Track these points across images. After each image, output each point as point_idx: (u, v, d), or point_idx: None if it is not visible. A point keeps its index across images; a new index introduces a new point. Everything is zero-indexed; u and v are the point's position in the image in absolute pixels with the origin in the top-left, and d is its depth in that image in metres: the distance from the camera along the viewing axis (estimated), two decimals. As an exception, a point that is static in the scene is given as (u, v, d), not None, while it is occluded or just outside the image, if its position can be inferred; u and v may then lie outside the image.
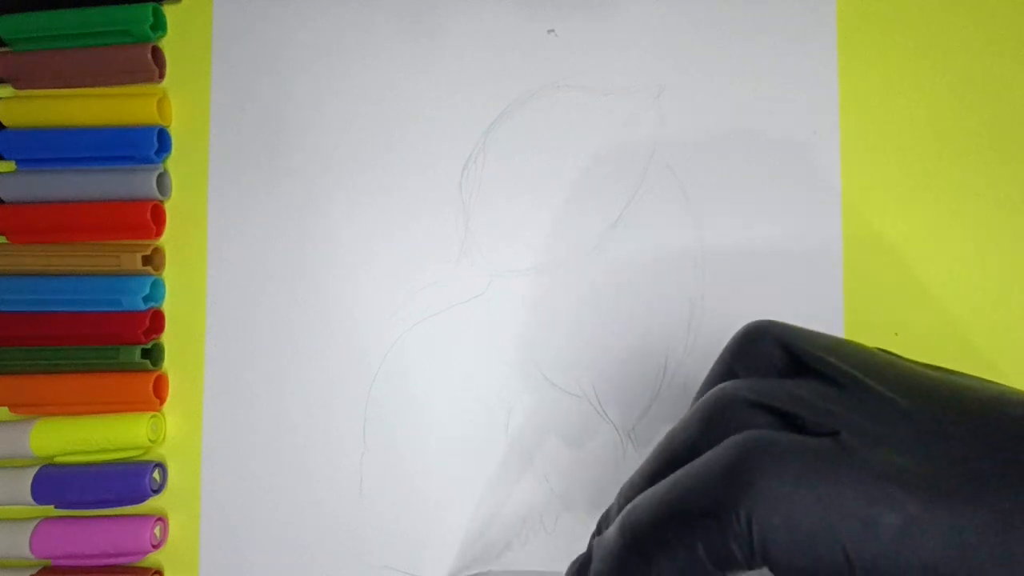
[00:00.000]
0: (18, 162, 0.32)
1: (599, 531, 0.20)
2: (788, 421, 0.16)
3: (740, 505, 0.15)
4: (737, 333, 0.19)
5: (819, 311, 0.29)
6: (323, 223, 0.31)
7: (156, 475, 0.30)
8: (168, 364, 0.31)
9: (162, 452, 0.31)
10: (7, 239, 0.32)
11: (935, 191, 0.29)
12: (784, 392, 0.17)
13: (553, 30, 0.31)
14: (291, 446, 0.30)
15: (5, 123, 0.32)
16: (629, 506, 0.17)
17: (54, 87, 0.32)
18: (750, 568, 0.16)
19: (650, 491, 0.17)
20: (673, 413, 0.29)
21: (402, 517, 0.29)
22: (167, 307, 0.31)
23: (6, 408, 0.31)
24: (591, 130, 0.30)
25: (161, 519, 0.30)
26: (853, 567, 0.14)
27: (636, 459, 0.29)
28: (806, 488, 0.15)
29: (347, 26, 0.31)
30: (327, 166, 0.31)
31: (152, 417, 0.30)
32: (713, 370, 0.20)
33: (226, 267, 0.31)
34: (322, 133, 0.31)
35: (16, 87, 0.32)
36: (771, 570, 0.15)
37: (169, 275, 0.31)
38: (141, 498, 0.30)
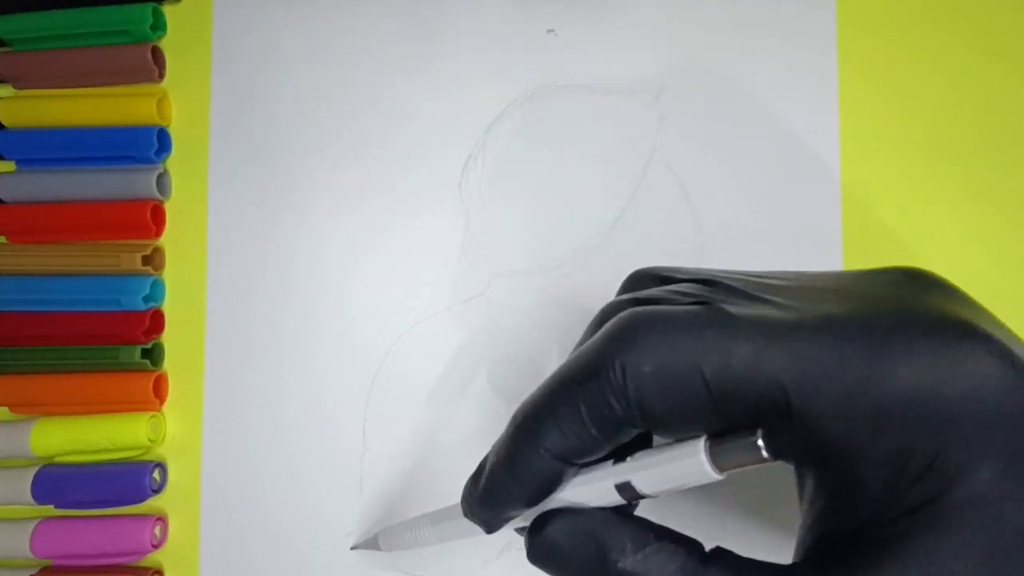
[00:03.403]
0: (18, 162, 0.32)
1: None
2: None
3: (616, 358, 0.17)
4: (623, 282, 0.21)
5: (819, 311, 0.29)
6: (323, 223, 0.31)
7: (156, 475, 0.30)
8: (168, 364, 0.31)
9: (162, 452, 0.31)
10: (7, 239, 0.32)
11: (934, 191, 0.29)
12: (661, 290, 0.19)
13: (553, 30, 0.31)
14: (291, 446, 0.30)
15: (5, 123, 0.32)
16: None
17: (54, 87, 0.32)
18: (630, 425, 0.17)
19: (538, 386, 0.18)
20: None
21: (402, 517, 0.29)
22: (167, 307, 0.31)
23: (6, 408, 0.31)
24: (591, 130, 0.30)
25: (161, 519, 0.30)
26: (713, 397, 0.16)
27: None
28: (675, 338, 0.16)
29: (347, 26, 0.31)
30: (327, 166, 0.31)
31: (152, 417, 0.30)
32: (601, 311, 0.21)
33: (226, 267, 0.31)
34: (322, 133, 0.31)
35: (16, 87, 0.32)
36: (647, 423, 0.17)
37: (169, 275, 0.31)
38: (141, 498, 0.30)
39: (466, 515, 0.20)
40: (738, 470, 0.17)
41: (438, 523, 0.24)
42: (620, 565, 0.17)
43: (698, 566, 0.17)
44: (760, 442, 0.16)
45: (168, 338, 0.31)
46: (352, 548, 0.29)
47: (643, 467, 0.18)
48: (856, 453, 0.15)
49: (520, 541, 0.29)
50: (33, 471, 0.30)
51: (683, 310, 0.17)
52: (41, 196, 0.31)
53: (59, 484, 0.30)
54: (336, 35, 0.31)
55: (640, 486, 0.18)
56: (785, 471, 0.18)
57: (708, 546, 0.18)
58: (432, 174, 0.31)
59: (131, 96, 0.31)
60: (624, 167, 0.30)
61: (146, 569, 0.30)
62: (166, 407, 0.31)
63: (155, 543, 0.30)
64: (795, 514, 0.18)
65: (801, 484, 0.18)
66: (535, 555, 0.19)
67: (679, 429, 0.17)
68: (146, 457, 0.31)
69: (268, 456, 0.30)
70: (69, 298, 0.30)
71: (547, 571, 0.19)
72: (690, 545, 0.17)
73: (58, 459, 0.30)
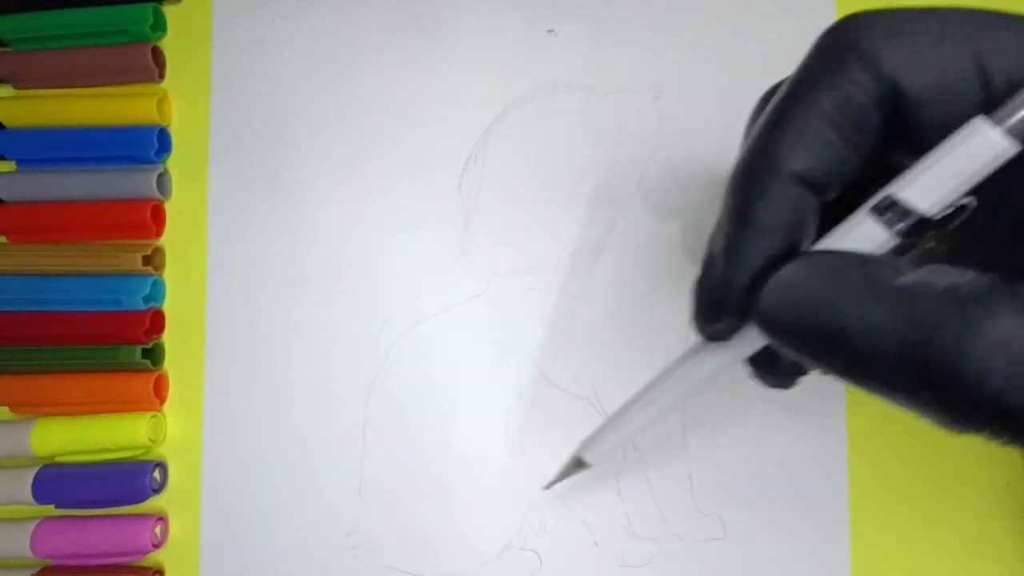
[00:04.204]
0: (18, 162, 0.32)
1: None
2: None
3: (859, 36, 0.14)
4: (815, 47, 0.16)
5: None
6: (323, 223, 0.31)
7: (156, 475, 0.30)
8: (168, 364, 0.31)
9: (162, 452, 0.31)
10: (7, 239, 0.32)
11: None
12: None
13: (553, 30, 0.31)
14: (291, 446, 0.30)
15: (5, 123, 0.32)
16: None
17: (54, 87, 0.32)
18: (879, 108, 0.14)
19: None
20: (673, 413, 0.29)
21: (402, 516, 0.29)
22: (167, 307, 0.31)
23: (6, 408, 0.31)
24: (591, 130, 0.30)
25: (161, 519, 0.30)
26: (981, 60, 0.13)
27: (636, 459, 0.29)
28: (919, 13, 0.14)
29: (347, 26, 0.31)
30: (327, 166, 0.31)
31: (152, 417, 0.30)
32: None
33: (226, 267, 0.31)
34: (322, 133, 0.31)
35: (16, 87, 0.32)
36: (900, 100, 0.14)
37: (169, 275, 0.31)
38: (141, 498, 0.30)
39: (704, 316, 0.17)
40: None
41: (644, 397, 0.21)
42: (901, 281, 0.13)
43: (996, 277, 0.13)
44: None
45: (168, 338, 0.31)
46: (546, 487, 0.26)
47: (912, 177, 0.14)
48: None
49: (520, 541, 0.29)
50: (34, 471, 0.30)
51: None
52: (41, 196, 0.31)
53: (59, 484, 0.30)
54: (336, 35, 0.31)
55: (911, 198, 0.14)
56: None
57: None
58: (432, 174, 0.31)
59: (131, 96, 0.31)
60: (624, 167, 0.30)
61: (146, 569, 0.30)
62: (166, 407, 0.31)
63: (155, 543, 0.30)
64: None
65: None
66: (768, 307, 0.14)
67: (936, 112, 0.14)
68: (146, 457, 0.31)
69: (268, 456, 0.30)
70: (69, 298, 0.30)
71: (785, 323, 0.14)
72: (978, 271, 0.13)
73: (59, 459, 0.30)
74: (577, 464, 0.24)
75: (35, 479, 0.29)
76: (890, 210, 0.14)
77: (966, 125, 0.14)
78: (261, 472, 0.30)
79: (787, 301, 0.14)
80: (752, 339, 0.17)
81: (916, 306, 0.13)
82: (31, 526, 0.29)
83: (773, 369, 0.18)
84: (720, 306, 0.16)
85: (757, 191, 0.15)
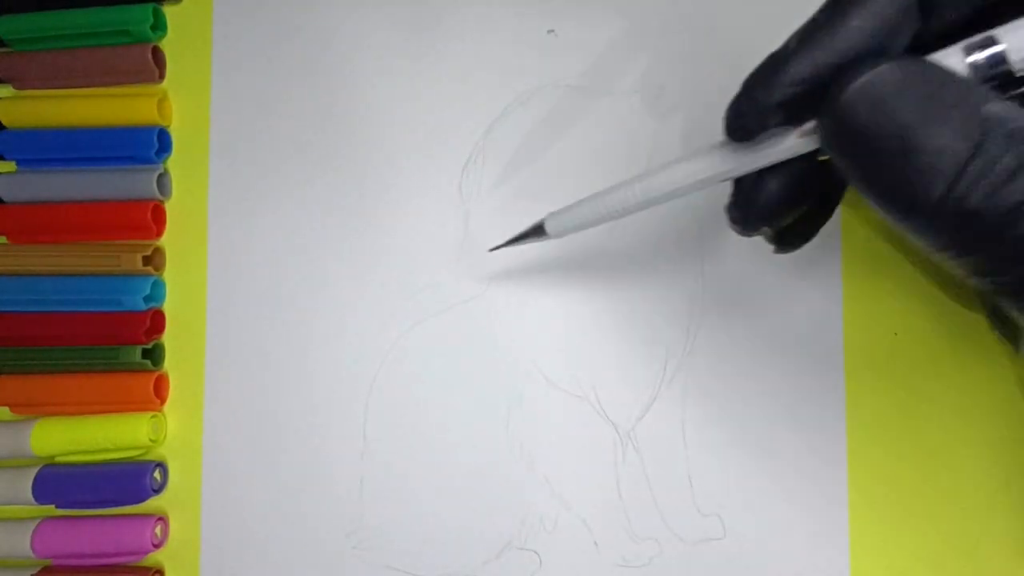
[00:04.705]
0: (18, 162, 0.32)
1: None
2: None
3: None
4: None
5: (818, 310, 0.29)
6: (323, 223, 0.31)
7: (157, 475, 0.30)
8: (169, 364, 0.31)
9: (163, 452, 0.31)
10: (7, 239, 0.32)
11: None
12: None
13: (553, 30, 0.31)
14: (291, 446, 0.30)
15: (5, 123, 0.32)
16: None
17: (54, 87, 0.32)
18: None
19: None
20: (673, 413, 0.29)
21: (402, 517, 0.29)
22: (168, 307, 0.31)
23: (6, 408, 0.31)
24: (591, 130, 0.30)
25: (162, 519, 0.30)
26: None
27: (636, 459, 0.29)
28: None
29: (347, 26, 0.31)
30: (326, 166, 0.31)
31: (153, 417, 0.30)
32: None
33: (226, 267, 0.31)
34: (321, 133, 0.31)
35: (16, 87, 0.32)
36: None
37: (169, 275, 0.31)
38: (142, 498, 0.30)
39: (734, 110, 0.16)
40: None
41: (629, 184, 0.20)
42: (987, 108, 0.13)
43: None
44: None
45: (169, 338, 0.31)
46: (493, 249, 0.25)
47: (1019, 24, 0.13)
48: None
49: (520, 541, 0.29)
50: (34, 471, 0.30)
51: None
52: (42, 196, 0.31)
53: (60, 484, 0.30)
54: (336, 35, 0.31)
55: (1009, 46, 0.13)
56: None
57: None
58: (432, 175, 0.31)
59: (131, 96, 0.31)
60: (624, 167, 0.30)
61: (147, 569, 0.30)
62: (167, 407, 0.31)
63: (156, 543, 0.30)
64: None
65: None
66: (847, 105, 0.14)
67: None
68: (147, 457, 0.31)
69: (268, 456, 0.30)
70: (70, 298, 0.30)
71: (856, 125, 0.13)
72: None
73: (59, 459, 0.31)
74: (537, 230, 0.23)
75: (35, 479, 0.30)
76: (984, 50, 0.13)
77: None
78: (261, 472, 0.30)
79: (873, 97, 0.13)
80: (779, 149, 0.16)
81: (989, 138, 0.12)
82: (31, 526, 0.29)
83: (764, 212, 0.17)
84: (775, 91, 0.15)
85: None
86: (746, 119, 0.16)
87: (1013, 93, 0.14)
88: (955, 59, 0.14)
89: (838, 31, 0.14)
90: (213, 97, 0.32)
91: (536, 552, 0.29)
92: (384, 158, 0.31)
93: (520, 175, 0.30)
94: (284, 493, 0.30)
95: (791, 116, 0.15)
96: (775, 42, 0.30)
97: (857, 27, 0.14)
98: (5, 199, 0.31)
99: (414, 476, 0.30)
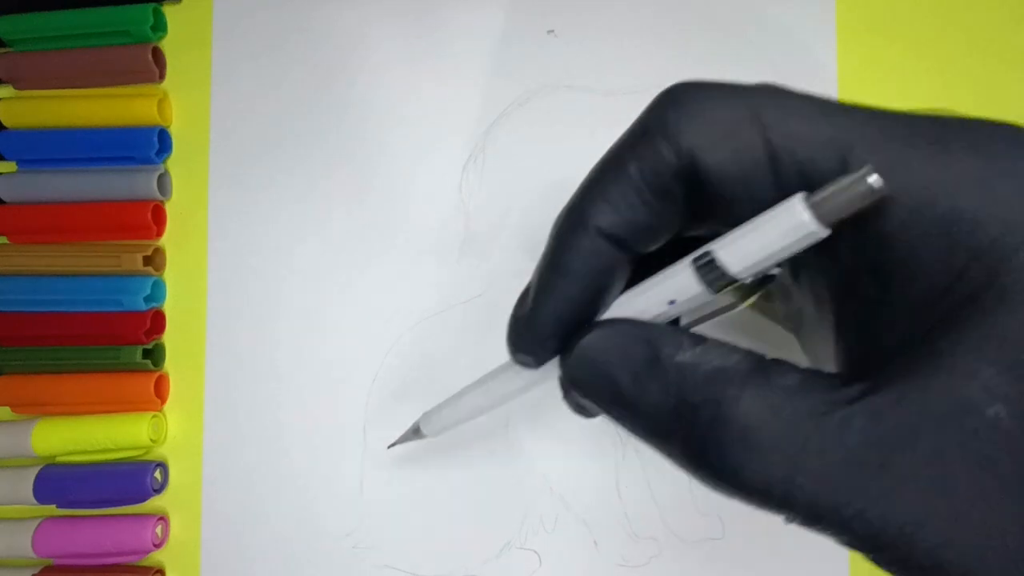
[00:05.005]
0: (19, 162, 0.32)
1: None
2: None
3: (667, 114, 0.16)
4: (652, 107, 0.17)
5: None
6: (323, 223, 0.31)
7: (157, 475, 0.30)
8: (169, 364, 0.31)
9: (163, 452, 0.31)
10: (8, 239, 0.32)
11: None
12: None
13: (553, 30, 0.31)
14: (292, 446, 0.30)
15: (5, 123, 0.32)
16: None
17: (54, 87, 0.32)
18: (683, 184, 0.15)
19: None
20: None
21: (402, 517, 0.30)
22: (168, 307, 0.31)
23: (8, 408, 0.31)
24: (591, 130, 0.30)
25: (162, 518, 0.30)
26: (771, 147, 0.15)
27: (636, 459, 0.29)
28: (729, 91, 0.16)
29: (347, 27, 0.31)
30: (327, 166, 0.31)
31: (153, 417, 0.30)
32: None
33: (226, 267, 0.31)
34: (321, 133, 0.31)
35: (16, 87, 0.32)
36: (699, 183, 0.15)
37: (170, 275, 0.31)
38: (143, 498, 0.30)
39: (512, 345, 0.18)
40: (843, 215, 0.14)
41: (482, 385, 0.22)
42: (677, 359, 0.15)
43: (759, 360, 0.15)
44: (871, 178, 0.13)
45: (169, 338, 0.31)
46: (389, 447, 0.27)
47: (729, 240, 0.15)
48: (916, 233, 0.14)
49: (520, 540, 0.29)
50: (35, 471, 0.30)
51: (734, 86, 0.16)
52: (42, 196, 0.31)
53: (61, 484, 0.30)
54: (336, 36, 0.31)
55: (726, 259, 0.15)
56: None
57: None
58: (432, 175, 0.31)
59: (132, 97, 0.31)
60: (624, 167, 0.30)
61: (147, 568, 0.30)
62: (167, 407, 0.31)
63: (156, 542, 0.30)
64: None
65: (833, 287, 0.16)
66: (570, 368, 0.16)
67: (732, 190, 0.15)
68: (147, 457, 0.31)
69: (269, 456, 0.30)
70: (70, 298, 0.30)
71: (583, 384, 0.16)
72: (749, 351, 0.15)
73: (60, 459, 0.31)
74: (415, 432, 0.25)
75: (36, 479, 0.30)
76: (708, 265, 0.15)
77: (785, 201, 0.14)
78: (261, 472, 0.30)
79: (585, 367, 0.16)
80: (556, 372, 0.18)
81: (684, 385, 0.15)
82: (32, 526, 0.29)
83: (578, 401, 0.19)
84: (525, 342, 0.17)
85: (567, 239, 0.16)
86: (520, 359, 0.18)
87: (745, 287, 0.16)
88: (686, 274, 0.16)
89: (552, 283, 0.16)
90: (213, 97, 0.32)
91: (536, 551, 0.29)
92: (384, 158, 0.31)
93: (520, 175, 0.30)
94: (284, 493, 0.30)
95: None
96: (775, 41, 0.30)
97: (565, 277, 0.16)
98: (5, 199, 0.31)
99: (414, 476, 0.30)
